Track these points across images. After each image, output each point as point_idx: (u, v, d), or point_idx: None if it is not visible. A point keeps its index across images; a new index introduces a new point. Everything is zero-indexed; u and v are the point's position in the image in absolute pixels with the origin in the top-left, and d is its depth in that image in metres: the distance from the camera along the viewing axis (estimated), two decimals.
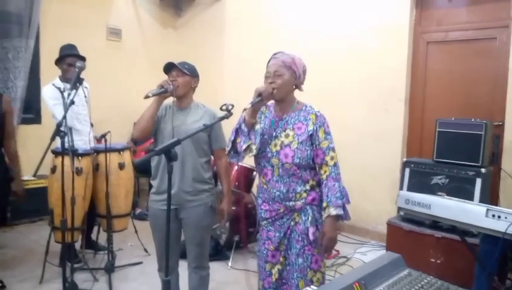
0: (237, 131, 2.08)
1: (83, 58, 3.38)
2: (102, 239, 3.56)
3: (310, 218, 2.06)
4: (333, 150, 2.05)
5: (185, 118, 2.38)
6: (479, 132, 3.03)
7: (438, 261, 2.94)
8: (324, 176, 2.02)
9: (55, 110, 3.34)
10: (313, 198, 2.08)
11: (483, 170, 2.95)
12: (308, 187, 2.07)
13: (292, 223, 2.09)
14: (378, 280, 1.25)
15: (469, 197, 2.83)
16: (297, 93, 2.19)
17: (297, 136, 2.04)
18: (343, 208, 2.02)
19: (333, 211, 1.97)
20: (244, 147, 2.04)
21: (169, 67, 2.36)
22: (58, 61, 3.46)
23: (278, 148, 2.06)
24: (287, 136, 2.06)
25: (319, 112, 2.10)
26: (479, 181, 2.94)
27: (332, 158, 2.03)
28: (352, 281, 1.18)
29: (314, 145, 2.04)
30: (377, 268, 1.29)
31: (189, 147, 2.30)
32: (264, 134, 2.08)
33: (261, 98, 1.97)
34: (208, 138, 2.40)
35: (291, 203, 2.08)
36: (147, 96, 2.22)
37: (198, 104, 2.47)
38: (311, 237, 2.05)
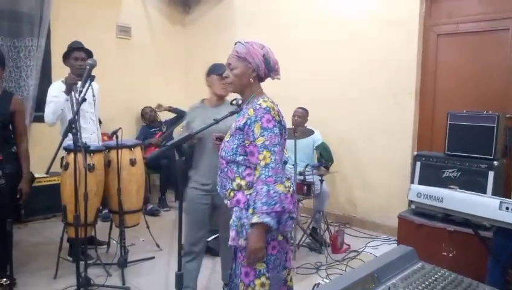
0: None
1: (89, 52, 3.39)
2: (114, 235, 3.60)
3: (231, 221, 1.86)
4: (267, 148, 1.75)
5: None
6: (491, 124, 2.99)
7: (450, 255, 2.91)
8: (255, 179, 1.78)
9: (46, 107, 3.34)
10: (238, 200, 1.85)
11: (495, 163, 2.91)
12: (234, 186, 1.87)
13: None
14: (391, 273, 1.24)
15: (481, 190, 2.80)
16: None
17: (232, 129, 1.92)
18: (277, 215, 1.73)
19: (255, 219, 1.71)
20: None
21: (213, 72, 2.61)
22: (65, 58, 3.43)
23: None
24: (230, 129, 1.96)
25: (260, 105, 1.81)
26: (491, 174, 2.91)
27: (264, 158, 1.74)
28: (365, 274, 1.18)
29: (248, 142, 1.81)
30: (389, 261, 1.28)
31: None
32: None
33: None
34: None
35: (226, 201, 1.94)
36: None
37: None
38: (229, 242, 1.85)
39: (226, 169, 1.89)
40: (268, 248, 1.84)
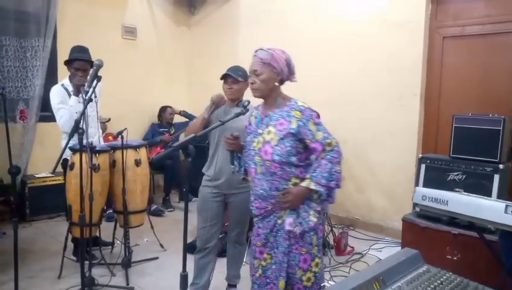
0: None
1: (91, 63, 3.27)
2: (118, 235, 3.61)
3: (288, 211, 2.02)
4: (329, 137, 2.00)
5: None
6: (497, 128, 2.98)
7: (455, 258, 2.91)
8: (319, 158, 1.99)
9: (57, 114, 3.32)
10: None
11: (501, 166, 2.90)
12: (290, 185, 2.01)
13: (279, 221, 2.05)
14: (397, 276, 1.25)
15: (486, 193, 2.79)
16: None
17: (278, 132, 1.99)
18: (329, 191, 1.99)
19: (312, 186, 1.94)
20: None
21: (225, 76, 2.65)
22: (66, 63, 3.37)
23: (260, 145, 2.03)
24: (268, 132, 2.02)
25: (303, 106, 2.02)
26: (496, 177, 2.90)
27: (329, 144, 1.98)
28: (371, 277, 1.18)
29: (308, 141, 1.98)
30: (395, 264, 1.28)
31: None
32: (250, 133, 2.13)
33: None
34: None
35: (275, 201, 2.04)
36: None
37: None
38: (286, 227, 2.00)
39: (279, 172, 2.00)
40: (318, 231, 2.09)
